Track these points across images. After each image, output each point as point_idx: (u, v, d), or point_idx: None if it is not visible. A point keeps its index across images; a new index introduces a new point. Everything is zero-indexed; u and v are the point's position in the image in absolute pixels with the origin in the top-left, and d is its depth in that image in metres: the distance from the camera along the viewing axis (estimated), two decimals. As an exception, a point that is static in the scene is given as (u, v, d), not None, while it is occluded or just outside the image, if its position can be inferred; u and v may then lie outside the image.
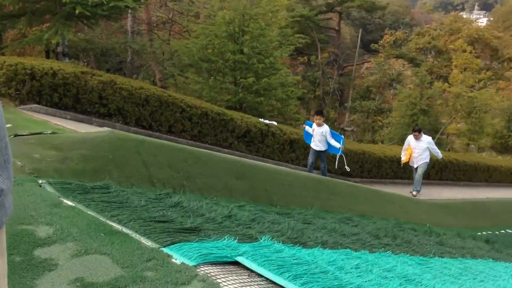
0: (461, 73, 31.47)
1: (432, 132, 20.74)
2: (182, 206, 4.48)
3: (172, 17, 27.76)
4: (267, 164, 8.39)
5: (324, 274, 3.15)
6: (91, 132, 6.29)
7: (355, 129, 23.22)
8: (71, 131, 6.41)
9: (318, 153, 9.64)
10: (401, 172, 13.09)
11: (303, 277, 2.95)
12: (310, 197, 7.26)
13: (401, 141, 20.26)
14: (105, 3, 10.27)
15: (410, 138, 11.08)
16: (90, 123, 8.46)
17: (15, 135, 5.64)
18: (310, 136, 9.82)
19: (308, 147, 10.08)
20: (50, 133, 5.97)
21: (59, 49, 12.12)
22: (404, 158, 11.15)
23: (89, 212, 3.63)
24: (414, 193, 10.64)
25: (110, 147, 5.58)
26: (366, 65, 41.02)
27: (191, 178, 5.96)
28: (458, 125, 25.45)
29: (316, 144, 9.51)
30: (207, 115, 10.07)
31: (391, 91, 35.04)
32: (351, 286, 3.02)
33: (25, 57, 10.51)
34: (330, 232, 5.20)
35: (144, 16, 24.29)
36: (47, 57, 13.89)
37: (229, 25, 16.22)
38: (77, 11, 9.94)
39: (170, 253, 3.08)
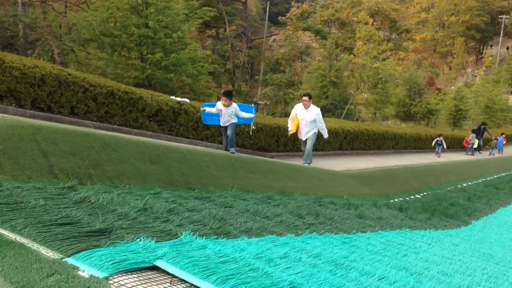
0: (365, 44, 32.63)
1: (342, 103, 21.33)
2: (89, 201, 3.98)
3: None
4: (183, 144, 7.97)
5: (254, 272, 2.88)
6: (-24, 120, 5.46)
7: (268, 103, 23.19)
8: (-49, 119, 5.53)
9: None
10: (315, 143, 13.21)
11: (232, 279, 2.65)
12: (229, 177, 6.98)
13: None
14: (-13, -29, 9.05)
15: (298, 107, 10.17)
16: (-23, 108, 7.48)
17: None
18: (211, 116, 9.25)
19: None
20: None
21: None
22: (291, 129, 10.30)
23: (-27, 220, 3.05)
24: (306, 165, 9.91)
25: (0, 136, 4.87)
26: (274, 37, 41.23)
27: (99, 165, 5.42)
28: (364, 95, 26.43)
29: (226, 121, 8.94)
30: (113, 94, 9.35)
31: (300, 63, 35.55)
32: (283, 284, 2.77)
33: None
34: (253, 216, 4.97)
35: (33, -14, 22.26)
36: None
37: (131, -4, 15.22)
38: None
39: (76, 264, 2.63)
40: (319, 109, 10.31)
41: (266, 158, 9.70)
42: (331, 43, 23.68)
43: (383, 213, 7.32)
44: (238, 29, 36.13)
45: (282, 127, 12.23)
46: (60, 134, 5.62)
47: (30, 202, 3.61)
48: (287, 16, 38.92)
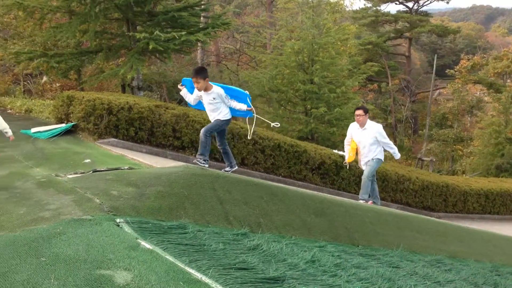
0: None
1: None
2: (261, 249, 4.18)
3: (240, 48, 28.28)
4: (346, 199, 7.95)
5: None
6: (166, 167, 6.20)
7: (434, 159, 21.97)
8: (147, 166, 6.36)
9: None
10: (490, 206, 12.06)
11: None
12: (394, 235, 6.74)
13: (486, 172, 19.00)
14: (177, 38, 10.41)
15: (353, 126, 8.07)
16: (165, 156, 8.47)
17: (94, 171, 5.66)
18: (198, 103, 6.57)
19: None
20: (127, 169, 5.94)
21: (134, 83, 12.45)
22: (347, 156, 8.26)
23: (166, 257, 3.42)
24: (361, 201, 7.88)
25: (185, 183, 5.44)
26: (440, 91, 39.49)
27: (267, 215, 5.67)
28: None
29: (212, 116, 6.35)
30: (280, 147, 9.83)
31: (470, 118, 33.29)
32: None
33: (102, 92, 10.86)
34: (423, 280, 4.69)
35: (213, 48, 24.89)
36: (123, 91, 14.37)
37: (298, 55, 16.13)
38: (150, 47, 10.13)
39: (255, 308, 2.77)
40: (380, 125, 8.13)
41: (433, 218, 9.16)
42: (507, 96, 21.82)
43: None
44: (401, 82, 35.48)
45: (450, 185, 11.49)
46: (233, 184, 6.06)
47: (211, 245, 3.93)
48: (455, 69, 37.14)
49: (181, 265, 3.29)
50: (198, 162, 6.31)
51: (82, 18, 11.00)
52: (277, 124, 7.06)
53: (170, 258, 3.40)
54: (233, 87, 6.62)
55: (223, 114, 6.25)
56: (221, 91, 6.13)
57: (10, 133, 5.28)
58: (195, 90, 6.26)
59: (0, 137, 8.09)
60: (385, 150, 8.08)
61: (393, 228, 6.96)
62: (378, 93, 36.02)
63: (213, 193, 5.52)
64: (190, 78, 6.34)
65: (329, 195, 8.26)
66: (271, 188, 6.53)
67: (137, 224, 4.07)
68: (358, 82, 18.46)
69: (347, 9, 33.81)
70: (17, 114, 10.79)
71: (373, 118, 19.50)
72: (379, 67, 25.90)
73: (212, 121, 6.32)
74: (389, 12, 38.48)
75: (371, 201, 8.05)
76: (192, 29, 11.60)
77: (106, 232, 3.76)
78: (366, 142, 7.79)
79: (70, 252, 3.35)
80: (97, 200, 4.50)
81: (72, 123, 8.28)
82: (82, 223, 3.92)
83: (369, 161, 7.88)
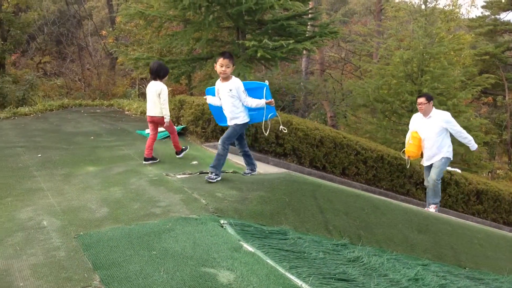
0: None
1: None
2: (362, 262, 4.11)
3: (345, 56, 27.96)
4: (453, 217, 7.53)
5: None
6: (268, 173, 6.33)
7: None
8: (250, 170, 6.52)
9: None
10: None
11: None
12: (505, 260, 6.26)
13: None
14: (285, 46, 10.55)
15: (416, 117, 7.35)
16: (267, 162, 8.62)
17: (200, 173, 5.93)
18: (220, 111, 6.03)
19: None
20: (231, 172, 6.15)
21: (240, 89, 12.80)
22: (406, 149, 7.53)
23: (267, 261, 3.50)
24: (431, 209, 7.21)
25: (286, 190, 5.51)
26: None
27: (368, 228, 5.56)
28: None
29: (229, 116, 5.74)
30: (382, 159, 9.56)
31: None
32: None
33: (211, 97, 11.31)
34: (539, 311, 4.31)
35: (317, 56, 24.87)
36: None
37: (407, 64, 15.59)
38: (258, 54, 10.36)
39: (355, 321, 2.74)
40: (448, 113, 7.18)
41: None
42: None
43: None
44: (520, 96, 32.74)
45: None
46: (334, 193, 6.03)
47: (311, 253, 3.94)
48: None
49: (282, 270, 3.35)
50: (209, 179, 5.38)
51: (196, 27, 11.58)
52: (285, 129, 6.86)
53: (271, 262, 3.47)
54: (250, 81, 6.14)
55: (241, 118, 5.68)
56: (240, 83, 5.63)
57: (168, 119, 6.50)
58: (216, 87, 5.81)
59: (123, 137, 8.81)
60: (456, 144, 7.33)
61: (505, 253, 6.47)
62: (493, 107, 33.49)
63: (314, 201, 5.53)
64: (213, 88, 5.98)
65: (434, 212, 7.87)
66: (373, 200, 6.39)
67: (240, 226, 4.20)
68: (472, 95, 17.33)
69: (462, 17, 32.02)
70: (133, 115, 11.63)
71: (486, 134, 18.24)
72: (496, 79, 24.10)
73: (229, 121, 5.75)
74: (509, 21, 35.72)
75: (436, 205, 7.34)
76: (299, 37, 11.69)
77: (211, 232, 3.93)
78: (431, 132, 7.02)
79: (178, 248, 3.56)
80: (203, 201, 4.72)
81: (182, 126, 8.74)
82: (189, 222, 4.13)
83: (435, 160, 7.16)
